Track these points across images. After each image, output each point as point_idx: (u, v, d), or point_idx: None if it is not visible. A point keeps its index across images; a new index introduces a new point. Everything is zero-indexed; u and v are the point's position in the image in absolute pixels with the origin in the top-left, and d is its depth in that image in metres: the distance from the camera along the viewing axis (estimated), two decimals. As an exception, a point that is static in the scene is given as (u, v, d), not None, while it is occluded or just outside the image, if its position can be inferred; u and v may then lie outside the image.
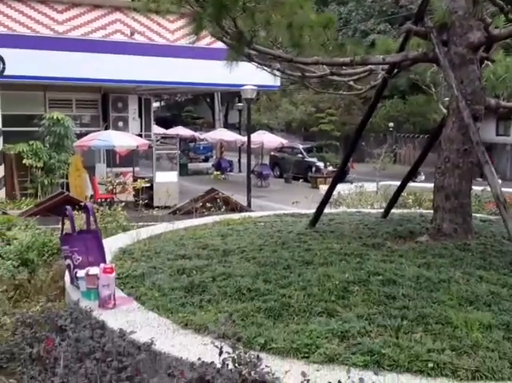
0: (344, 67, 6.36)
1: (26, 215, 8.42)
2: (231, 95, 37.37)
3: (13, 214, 8.33)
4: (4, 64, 13.74)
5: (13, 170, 15.64)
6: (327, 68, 6.56)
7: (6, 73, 13.86)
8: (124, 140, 16.40)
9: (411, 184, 7.48)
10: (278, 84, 17.96)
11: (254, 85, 17.73)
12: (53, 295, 4.74)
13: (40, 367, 3.05)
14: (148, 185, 16.11)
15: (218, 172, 26.39)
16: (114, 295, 3.86)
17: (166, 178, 17.61)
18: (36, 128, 16.16)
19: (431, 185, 5.73)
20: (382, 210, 7.39)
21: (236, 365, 2.58)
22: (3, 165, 14.27)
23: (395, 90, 26.16)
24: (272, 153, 29.41)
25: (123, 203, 8.16)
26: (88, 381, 2.69)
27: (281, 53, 6.09)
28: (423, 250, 4.89)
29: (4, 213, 8.04)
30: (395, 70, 6.07)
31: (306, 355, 2.97)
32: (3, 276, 5.06)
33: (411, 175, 6.95)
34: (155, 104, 30.92)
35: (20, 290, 4.98)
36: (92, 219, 4.58)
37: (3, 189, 14.12)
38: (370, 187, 12.56)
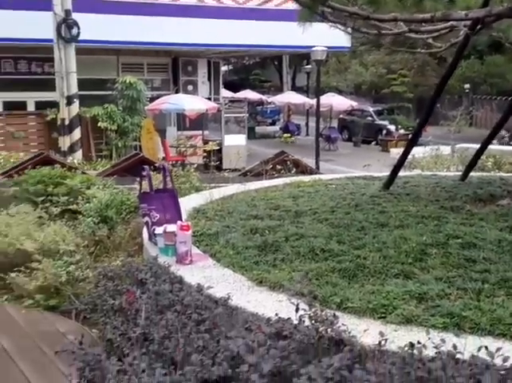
0: (423, 24, 6.10)
1: (104, 175, 8.71)
2: (299, 57, 36.86)
3: (90, 174, 8.63)
4: (79, 29, 14.08)
5: (89, 132, 16.21)
6: (404, 25, 6.32)
7: (81, 37, 14.20)
8: (193, 103, 16.58)
9: (490, 147, 7.17)
10: (349, 45, 17.57)
11: (325, 47, 17.37)
12: (132, 251, 4.92)
13: (122, 318, 3.16)
14: (217, 148, 16.27)
15: (288, 134, 26.25)
16: (191, 252, 3.95)
17: (234, 141, 17.76)
18: (110, 92, 16.61)
19: (511, 148, 5.46)
20: (459, 173, 7.14)
21: (313, 322, 2.59)
22: (79, 127, 14.79)
23: (473, 50, 24.94)
24: (341, 116, 28.94)
25: (195, 165, 8.26)
26: (169, 332, 2.77)
27: (357, 10, 5.90)
28: (504, 214, 4.70)
29: (83, 173, 8.34)
30: (478, 27, 5.76)
31: (383, 315, 2.94)
32: (84, 232, 5.29)
33: (492, 138, 6.66)
34: (224, 68, 30.91)
35: (100, 245, 5.18)
36: (168, 178, 4.68)
37: (80, 151, 14.67)
38: (445, 150, 12.15)
